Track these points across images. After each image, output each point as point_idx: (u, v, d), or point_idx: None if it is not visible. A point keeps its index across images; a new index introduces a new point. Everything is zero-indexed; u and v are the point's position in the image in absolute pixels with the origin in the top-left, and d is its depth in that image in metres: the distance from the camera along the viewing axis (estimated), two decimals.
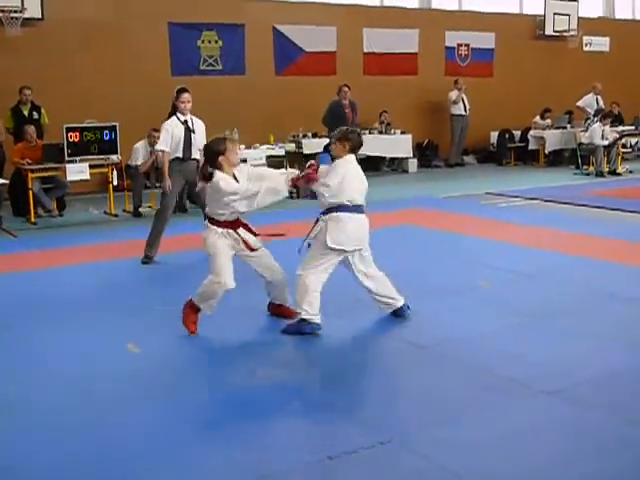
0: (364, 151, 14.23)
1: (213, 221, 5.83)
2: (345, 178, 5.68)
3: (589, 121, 16.44)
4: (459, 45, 18.60)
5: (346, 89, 13.45)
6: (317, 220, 5.79)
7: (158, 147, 8.41)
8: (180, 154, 8.18)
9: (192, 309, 5.83)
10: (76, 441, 4.06)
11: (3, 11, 12.81)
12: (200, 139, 8.16)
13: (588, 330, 5.69)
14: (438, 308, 6.34)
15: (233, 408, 4.46)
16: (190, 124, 8.24)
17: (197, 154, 8.19)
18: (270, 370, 5.09)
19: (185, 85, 8.47)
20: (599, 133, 15.43)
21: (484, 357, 5.19)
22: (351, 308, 6.27)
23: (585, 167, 16.02)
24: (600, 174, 15.30)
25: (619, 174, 15.56)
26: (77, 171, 10.94)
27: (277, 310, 6.16)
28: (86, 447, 3.98)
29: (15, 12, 12.90)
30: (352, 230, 5.69)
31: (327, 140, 14.09)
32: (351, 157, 5.85)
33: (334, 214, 5.66)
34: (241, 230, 5.83)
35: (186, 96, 8.19)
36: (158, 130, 11.47)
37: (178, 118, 8.22)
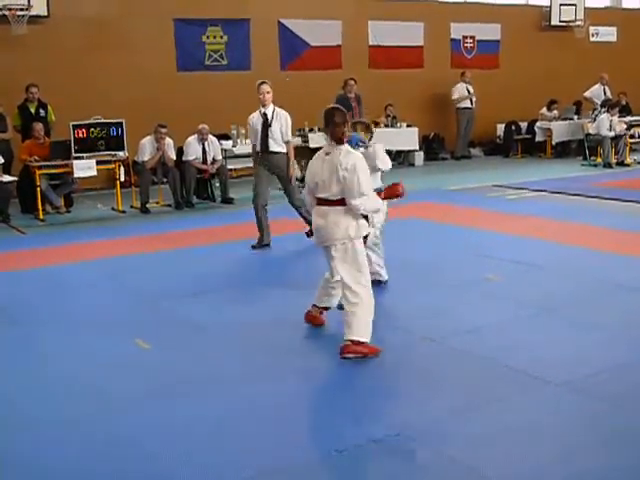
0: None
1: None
2: None
3: (596, 112, 16.39)
4: (465, 37, 18.54)
5: (352, 82, 13.42)
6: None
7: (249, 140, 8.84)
8: (258, 147, 8.43)
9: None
10: (83, 440, 4.07)
11: (10, 9, 12.84)
12: (278, 131, 8.37)
13: (596, 321, 5.68)
14: (447, 301, 6.34)
15: (242, 403, 4.47)
16: (269, 117, 8.38)
17: (277, 147, 8.40)
18: (277, 361, 5.09)
19: (256, 79, 8.72)
20: (606, 124, 15.37)
21: (493, 349, 5.19)
22: None
23: (593, 158, 15.96)
24: (608, 165, 15.26)
25: (627, 165, 15.50)
26: (84, 168, 10.97)
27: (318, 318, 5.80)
28: (93, 446, 3.99)
29: (21, 10, 12.93)
30: None
31: None
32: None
33: None
34: None
35: (263, 87, 8.35)
36: (164, 126, 11.58)
37: (259, 111, 8.43)
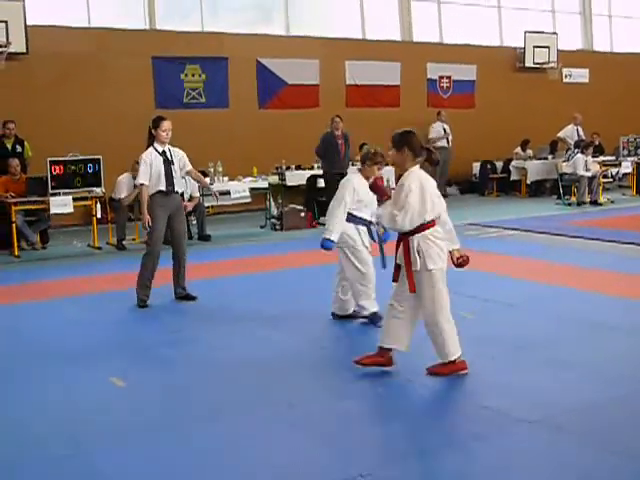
0: None
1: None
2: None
3: (570, 152, 16.62)
4: (441, 77, 18.81)
5: (337, 120, 13.48)
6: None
7: (138, 180, 7.87)
8: (163, 187, 7.72)
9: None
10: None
11: None
12: (178, 169, 7.83)
13: (569, 359, 5.71)
14: (420, 340, 6.33)
15: (219, 441, 4.44)
16: (168, 155, 7.80)
17: (180, 186, 7.94)
18: (245, 395, 5.07)
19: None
20: (582, 164, 15.55)
21: (467, 387, 5.21)
22: (335, 335, 6.28)
23: (567, 197, 16.15)
24: (582, 204, 15.43)
25: (600, 204, 15.68)
26: (60, 204, 10.94)
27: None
28: None
29: (0, 47, 12.97)
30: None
31: (311, 172, 14.22)
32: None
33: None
34: None
35: (167, 124, 7.74)
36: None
37: (156, 149, 7.78)
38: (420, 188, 5.19)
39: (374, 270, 6.66)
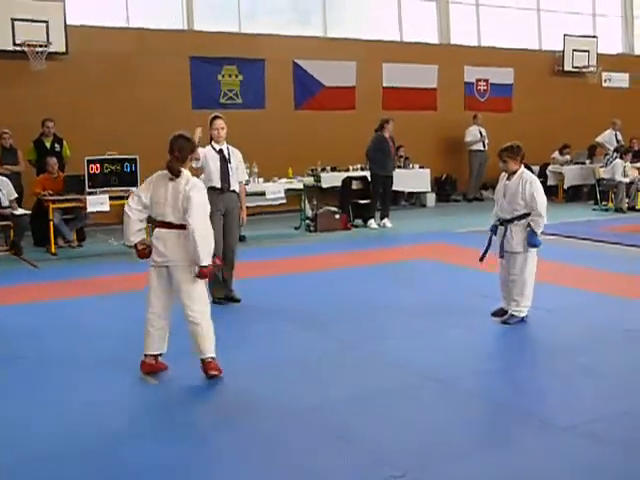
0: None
1: None
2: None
3: (608, 157, 16.43)
4: (478, 80, 18.70)
5: (390, 123, 13.48)
6: None
7: (195, 164, 7.53)
8: (217, 184, 7.68)
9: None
10: (85, 475, 4.05)
11: (29, 45, 13.05)
12: (235, 168, 7.83)
13: (606, 367, 5.65)
14: (455, 342, 6.31)
15: (250, 443, 4.44)
16: (226, 153, 7.83)
17: (236, 186, 7.84)
18: (284, 398, 5.07)
19: (218, 114, 8.06)
20: (620, 169, 15.40)
21: (503, 392, 5.18)
22: (365, 335, 6.26)
23: (604, 203, 15.98)
24: (620, 210, 15.25)
25: (638, 210, 15.48)
26: (97, 202, 11.04)
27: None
28: None
29: (40, 46, 13.14)
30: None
31: (346, 174, 14.25)
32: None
33: None
34: None
35: (219, 123, 7.81)
36: None
37: (213, 147, 7.84)
38: (151, 184, 5.73)
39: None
